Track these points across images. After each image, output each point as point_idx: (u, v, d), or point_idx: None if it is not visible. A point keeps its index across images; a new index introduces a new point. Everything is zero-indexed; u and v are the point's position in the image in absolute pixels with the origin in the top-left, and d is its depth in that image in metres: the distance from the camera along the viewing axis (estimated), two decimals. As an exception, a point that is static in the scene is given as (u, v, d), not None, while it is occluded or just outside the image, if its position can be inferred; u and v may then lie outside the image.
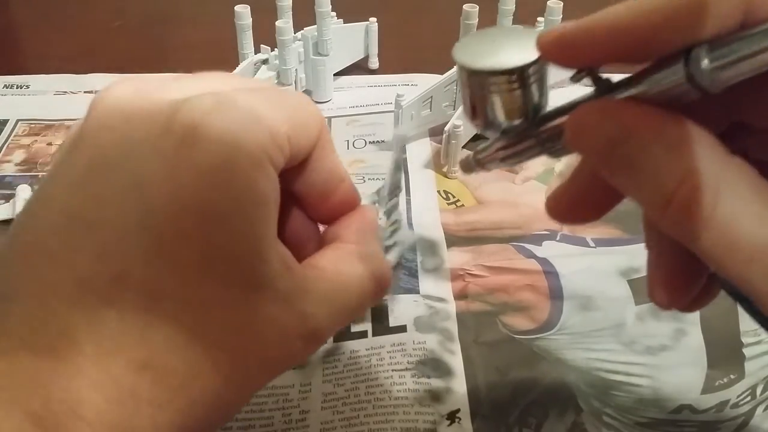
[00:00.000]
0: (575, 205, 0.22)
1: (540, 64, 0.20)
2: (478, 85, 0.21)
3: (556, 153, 0.22)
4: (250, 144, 0.20)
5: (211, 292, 0.20)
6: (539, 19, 0.51)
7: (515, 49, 0.20)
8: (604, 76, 0.19)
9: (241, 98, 0.20)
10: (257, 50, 0.50)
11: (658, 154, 0.17)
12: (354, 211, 0.26)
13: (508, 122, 0.22)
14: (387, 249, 0.29)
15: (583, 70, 0.19)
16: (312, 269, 0.23)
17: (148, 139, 0.19)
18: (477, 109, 0.22)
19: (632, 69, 0.18)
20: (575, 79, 0.19)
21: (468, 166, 0.26)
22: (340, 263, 0.24)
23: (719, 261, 0.17)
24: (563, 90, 0.24)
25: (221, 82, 0.22)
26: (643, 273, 0.38)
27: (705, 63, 0.16)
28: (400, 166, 0.30)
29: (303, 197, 0.25)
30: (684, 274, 0.21)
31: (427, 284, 0.38)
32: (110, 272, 0.19)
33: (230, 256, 0.20)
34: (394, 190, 0.30)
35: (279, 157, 0.21)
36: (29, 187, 0.44)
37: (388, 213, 0.29)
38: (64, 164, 0.20)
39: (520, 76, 0.20)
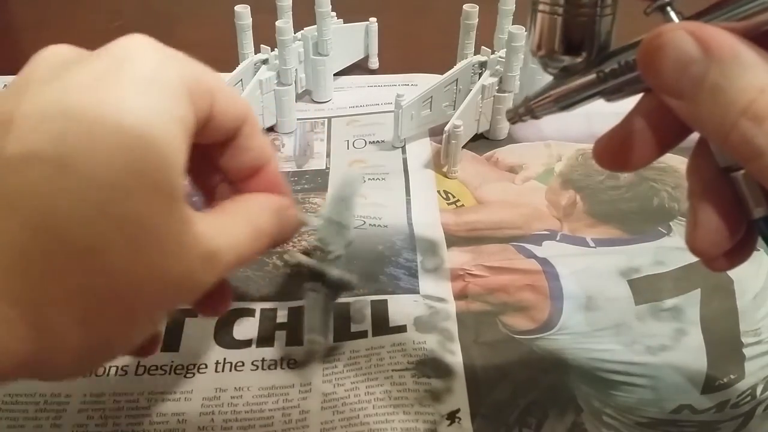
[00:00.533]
0: (626, 148, 0.23)
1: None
2: (553, 9, 0.22)
3: (614, 93, 0.22)
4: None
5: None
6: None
7: None
8: (677, 10, 0.20)
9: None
10: (257, 50, 0.50)
11: (734, 73, 0.18)
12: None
13: (572, 58, 0.23)
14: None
15: (657, 1, 0.20)
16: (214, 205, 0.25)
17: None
18: (545, 40, 0.23)
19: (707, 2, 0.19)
20: (648, 12, 0.20)
21: (515, 115, 0.26)
22: (240, 200, 0.26)
23: None
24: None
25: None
26: (643, 273, 0.39)
27: None
28: (346, 202, 0.32)
29: (230, 174, 0.27)
30: (725, 222, 0.22)
31: (427, 284, 0.38)
32: None
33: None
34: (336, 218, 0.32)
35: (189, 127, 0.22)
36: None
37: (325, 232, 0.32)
38: None
39: (595, 3, 0.21)
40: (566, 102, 0.24)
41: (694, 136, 0.22)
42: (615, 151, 0.23)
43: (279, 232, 0.27)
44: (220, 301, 0.29)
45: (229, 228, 0.24)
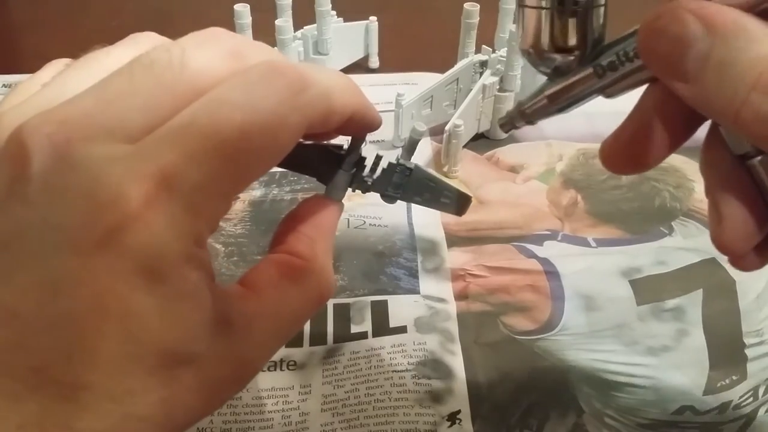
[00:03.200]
0: (635, 147, 0.21)
1: None
2: (540, 3, 0.21)
3: (614, 87, 0.21)
4: (180, 240, 0.18)
5: (140, 381, 0.18)
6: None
7: None
8: None
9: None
10: (257, 49, 0.50)
11: (740, 47, 0.17)
12: (313, 210, 0.24)
13: (564, 56, 0.21)
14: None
15: None
16: (251, 302, 0.21)
17: (62, 226, 0.17)
18: (534, 36, 0.21)
19: None
20: None
21: (509, 122, 0.25)
22: (283, 286, 0.22)
23: None
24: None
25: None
26: (645, 273, 0.39)
27: None
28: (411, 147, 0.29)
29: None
30: (750, 214, 0.20)
31: (427, 284, 0.38)
32: (29, 364, 0.18)
33: (159, 347, 0.18)
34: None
35: (217, 222, 0.19)
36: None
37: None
38: None
39: None
40: (563, 103, 0.23)
41: (700, 134, 0.21)
42: (623, 152, 0.22)
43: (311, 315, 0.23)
44: None
45: (267, 333, 0.21)
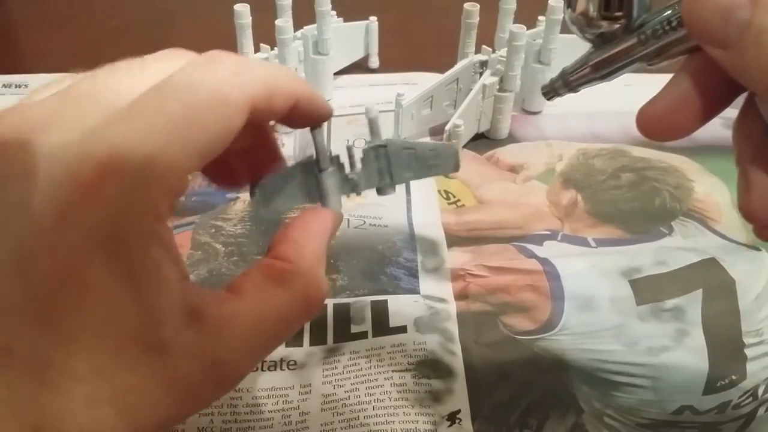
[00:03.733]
0: (672, 114, 0.22)
1: None
2: None
3: (657, 56, 0.22)
4: (135, 214, 0.18)
5: (105, 361, 0.18)
6: (540, 18, 0.51)
7: None
8: None
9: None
10: (257, 49, 0.50)
11: None
12: (306, 217, 0.25)
13: (610, 23, 0.22)
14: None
15: None
16: (230, 302, 0.21)
17: (23, 205, 0.18)
18: (579, 4, 0.22)
19: None
20: None
21: (551, 90, 0.25)
22: (266, 288, 0.22)
23: None
24: None
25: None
26: (645, 273, 0.39)
27: None
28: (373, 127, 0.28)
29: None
30: None
31: (427, 284, 0.38)
32: None
33: (123, 327, 0.18)
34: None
35: (173, 197, 0.20)
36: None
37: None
38: None
39: None
40: (607, 69, 0.23)
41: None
42: (660, 118, 0.22)
43: (303, 323, 0.24)
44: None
45: (249, 334, 0.21)
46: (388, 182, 0.27)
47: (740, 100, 0.21)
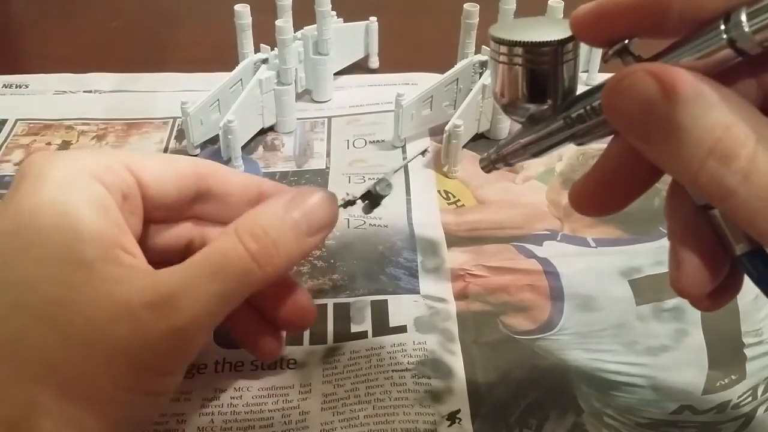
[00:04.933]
0: (601, 193, 0.23)
1: (574, 43, 0.21)
2: (512, 60, 0.22)
3: (584, 137, 0.22)
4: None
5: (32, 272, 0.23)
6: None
7: (551, 30, 0.21)
8: (636, 53, 0.20)
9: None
10: (257, 50, 0.50)
11: (698, 113, 0.17)
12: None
13: (537, 106, 0.22)
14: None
15: (615, 45, 0.20)
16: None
17: None
18: (507, 89, 0.22)
19: (663, 44, 0.19)
20: (607, 58, 0.20)
21: (489, 164, 0.26)
22: (206, 248, 0.25)
23: (753, 217, 0.17)
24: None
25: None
26: (644, 273, 0.39)
27: (745, 26, 0.17)
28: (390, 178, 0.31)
29: (230, 219, 0.26)
30: (708, 262, 0.21)
31: (427, 284, 0.38)
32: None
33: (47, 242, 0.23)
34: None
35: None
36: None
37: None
38: None
39: (555, 51, 0.21)
40: (537, 149, 0.24)
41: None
42: (591, 197, 0.23)
43: (257, 273, 0.25)
44: (268, 343, 0.31)
45: (180, 270, 0.24)
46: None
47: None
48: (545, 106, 0.22)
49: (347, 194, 0.29)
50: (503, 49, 0.22)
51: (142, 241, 0.27)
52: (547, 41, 0.21)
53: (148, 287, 0.23)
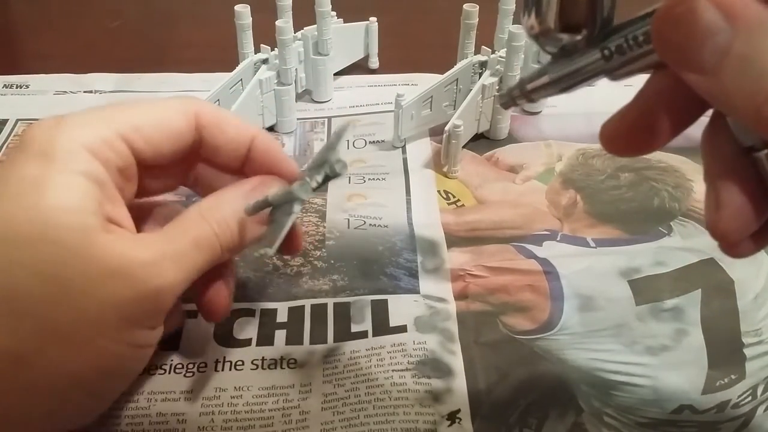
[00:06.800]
0: (638, 130, 0.21)
1: None
2: None
3: (621, 70, 0.20)
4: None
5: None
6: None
7: None
8: None
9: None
10: (257, 50, 0.50)
11: (764, 42, 0.16)
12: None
13: (571, 36, 0.21)
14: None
15: None
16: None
17: None
18: (539, 15, 0.20)
19: None
20: None
21: (509, 100, 0.24)
22: (185, 212, 0.29)
23: None
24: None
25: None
26: (644, 273, 0.39)
27: None
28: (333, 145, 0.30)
29: (225, 168, 0.31)
30: (751, 201, 0.20)
31: (427, 284, 0.38)
32: None
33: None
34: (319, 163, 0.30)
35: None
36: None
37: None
38: None
39: None
40: (567, 83, 0.22)
41: (697, 132, 0.21)
42: (625, 135, 0.21)
43: (227, 232, 0.29)
44: (218, 302, 0.32)
45: (166, 239, 0.27)
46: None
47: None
48: (580, 37, 0.21)
49: (307, 179, 0.28)
50: None
51: (138, 194, 0.30)
52: None
53: (140, 248, 0.26)
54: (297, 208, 0.28)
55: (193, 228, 0.28)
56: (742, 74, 0.17)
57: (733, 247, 0.21)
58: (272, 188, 0.29)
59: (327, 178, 0.29)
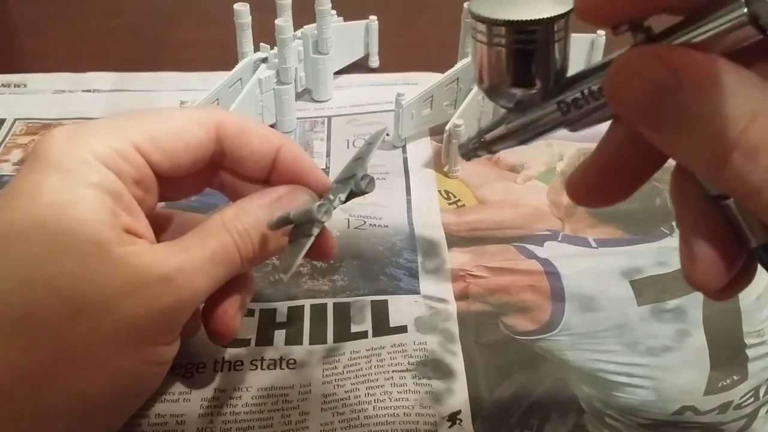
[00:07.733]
0: (601, 183, 0.21)
1: (566, 20, 0.19)
2: (494, 41, 0.19)
3: (579, 122, 0.20)
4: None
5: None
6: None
7: (539, 3, 0.19)
8: (646, 25, 0.18)
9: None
10: (257, 49, 0.50)
11: (717, 100, 0.16)
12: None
13: (525, 90, 0.20)
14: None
15: (625, 22, 0.17)
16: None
17: None
18: (489, 73, 0.20)
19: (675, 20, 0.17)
20: (616, 32, 0.18)
21: (468, 151, 0.23)
22: (205, 223, 0.28)
23: None
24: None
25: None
26: (646, 273, 0.39)
27: None
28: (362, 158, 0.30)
29: (251, 179, 0.30)
30: (723, 253, 0.20)
31: (427, 285, 0.38)
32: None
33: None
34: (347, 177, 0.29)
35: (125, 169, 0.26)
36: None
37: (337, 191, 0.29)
38: None
39: (545, 29, 0.19)
40: (525, 135, 0.21)
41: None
42: (591, 187, 0.21)
43: (250, 243, 0.28)
44: (225, 323, 0.31)
45: (185, 250, 0.26)
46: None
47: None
48: (534, 90, 0.20)
49: (331, 198, 0.28)
50: (485, 27, 0.19)
51: (160, 199, 0.30)
52: (536, 19, 0.18)
53: (158, 263, 0.25)
54: (315, 230, 0.27)
55: (214, 238, 0.27)
56: (698, 135, 0.16)
57: (716, 294, 0.20)
58: (299, 199, 0.28)
59: (352, 195, 0.28)
